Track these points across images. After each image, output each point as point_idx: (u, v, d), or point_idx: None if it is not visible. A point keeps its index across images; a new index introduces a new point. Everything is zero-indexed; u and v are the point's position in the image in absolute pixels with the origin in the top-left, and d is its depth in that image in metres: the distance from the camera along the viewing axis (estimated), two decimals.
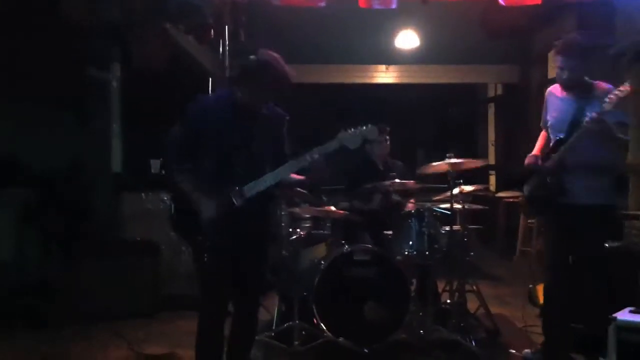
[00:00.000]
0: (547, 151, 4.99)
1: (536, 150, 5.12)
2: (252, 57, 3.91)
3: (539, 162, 4.95)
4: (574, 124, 4.70)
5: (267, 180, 3.86)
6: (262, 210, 4.00)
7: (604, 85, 4.73)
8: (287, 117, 4.18)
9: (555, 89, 5.05)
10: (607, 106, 4.44)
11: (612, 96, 4.43)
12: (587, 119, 4.51)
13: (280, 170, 3.88)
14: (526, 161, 5.04)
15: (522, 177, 5.11)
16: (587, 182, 4.74)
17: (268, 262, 4.28)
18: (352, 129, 3.89)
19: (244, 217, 3.84)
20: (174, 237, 4.13)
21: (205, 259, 3.88)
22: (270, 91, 3.94)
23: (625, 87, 4.42)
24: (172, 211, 3.99)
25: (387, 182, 6.03)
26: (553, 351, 4.98)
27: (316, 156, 3.86)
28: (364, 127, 3.91)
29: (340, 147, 3.88)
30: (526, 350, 5.25)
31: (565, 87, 4.90)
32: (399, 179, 6.05)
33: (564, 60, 4.76)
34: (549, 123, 5.06)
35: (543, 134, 5.16)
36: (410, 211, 5.90)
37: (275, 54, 3.94)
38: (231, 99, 3.97)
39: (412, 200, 6.49)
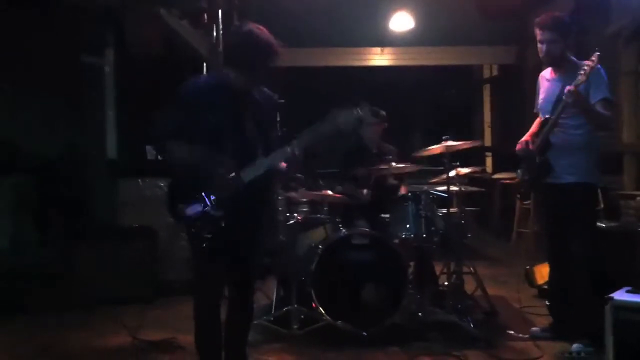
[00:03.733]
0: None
1: (527, 135, 5.14)
2: (234, 30, 3.86)
3: (529, 146, 4.99)
4: (559, 103, 4.74)
5: (263, 164, 3.82)
6: (256, 194, 3.97)
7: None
8: (282, 101, 4.14)
9: (546, 72, 5.15)
10: (581, 78, 4.54)
11: (585, 68, 4.54)
12: (564, 92, 4.57)
13: (276, 155, 3.85)
14: (517, 147, 5.09)
15: (517, 159, 5.16)
16: (568, 161, 4.82)
17: (263, 246, 4.26)
18: (345, 110, 3.82)
19: (239, 202, 3.83)
20: (172, 222, 4.10)
21: (204, 245, 3.86)
22: (259, 64, 3.85)
23: (594, 57, 4.56)
24: (169, 196, 3.97)
25: (383, 166, 6.02)
26: (562, 329, 5.06)
27: (310, 140, 3.81)
28: (357, 108, 3.85)
29: (333, 129, 3.82)
30: (534, 328, 5.31)
31: (546, 62, 5.01)
32: (393, 162, 6.03)
33: (542, 34, 4.86)
34: (538, 106, 5.13)
35: (538, 119, 5.17)
36: (407, 194, 5.90)
37: (257, 25, 3.86)
38: (224, 81, 3.93)
39: (404, 185, 6.47)
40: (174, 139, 3.84)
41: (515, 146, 5.09)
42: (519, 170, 5.17)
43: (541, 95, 5.11)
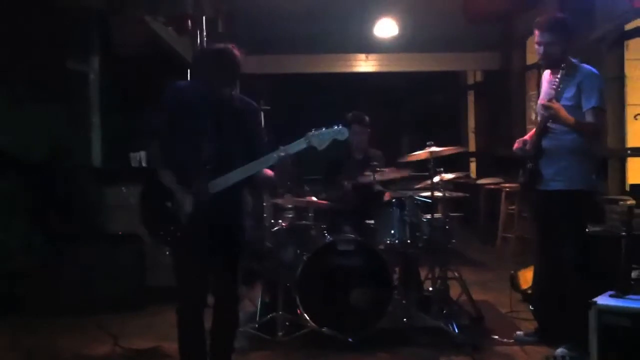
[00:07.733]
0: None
1: (527, 135, 5.10)
2: (205, 48, 3.95)
3: (527, 146, 4.95)
4: None
5: (234, 176, 3.84)
6: (231, 203, 3.98)
7: (587, 68, 4.76)
8: (260, 109, 4.17)
9: (546, 73, 5.06)
10: (552, 92, 4.59)
11: (556, 81, 4.60)
12: (538, 105, 4.58)
13: (247, 168, 3.86)
14: (514, 146, 5.04)
15: (506, 163, 5.12)
16: (557, 167, 4.78)
17: (243, 253, 4.26)
18: (323, 129, 3.86)
19: (212, 211, 3.83)
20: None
21: (168, 253, 3.91)
22: (221, 75, 3.93)
23: (559, 74, 4.61)
24: (140, 205, 3.97)
25: (368, 172, 6.01)
26: (547, 333, 5.08)
27: (282, 154, 3.84)
28: (335, 128, 3.88)
29: (308, 147, 3.86)
30: (518, 333, 5.31)
31: (543, 64, 4.97)
32: (379, 168, 6.03)
33: (540, 35, 4.80)
34: (537, 107, 5.07)
35: None
36: (391, 200, 5.90)
37: (227, 45, 3.96)
38: (202, 88, 3.97)
39: (389, 192, 6.46)
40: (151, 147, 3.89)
41: (498, 151, 5.08)
42: (520, 171, 5.11)
43: (540, 96, 5.04)
